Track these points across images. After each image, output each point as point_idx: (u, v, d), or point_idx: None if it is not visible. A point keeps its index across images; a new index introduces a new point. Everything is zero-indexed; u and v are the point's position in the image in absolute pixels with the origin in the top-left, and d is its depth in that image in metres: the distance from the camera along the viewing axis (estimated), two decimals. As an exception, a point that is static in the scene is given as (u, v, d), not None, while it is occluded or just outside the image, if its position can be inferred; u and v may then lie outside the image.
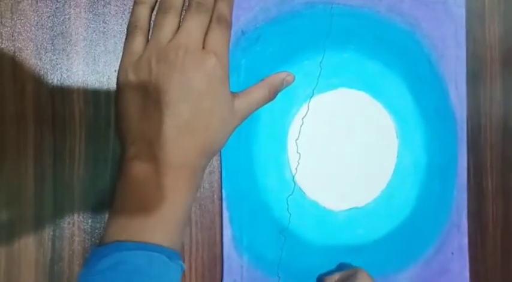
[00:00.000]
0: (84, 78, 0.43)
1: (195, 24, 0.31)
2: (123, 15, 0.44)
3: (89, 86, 0.43)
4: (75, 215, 0.43)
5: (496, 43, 0.56)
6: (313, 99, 0.49)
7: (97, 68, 0.44)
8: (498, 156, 0.56)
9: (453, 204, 0.53)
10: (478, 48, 0.55)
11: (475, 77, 0.55)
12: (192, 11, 0.31)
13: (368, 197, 0.51)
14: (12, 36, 0.42)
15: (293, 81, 0.36)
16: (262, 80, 0.35)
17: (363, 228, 0.50)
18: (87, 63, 0.43)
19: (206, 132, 0.31)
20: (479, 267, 0.54)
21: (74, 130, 0.43)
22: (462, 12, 0.54)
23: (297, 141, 0.49)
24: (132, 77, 0.31)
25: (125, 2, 0.45)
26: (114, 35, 0.44)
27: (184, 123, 0.30)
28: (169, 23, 0.31)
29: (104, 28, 0.44)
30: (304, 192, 0.49)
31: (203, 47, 0.31)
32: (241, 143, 0.47)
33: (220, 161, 0.47)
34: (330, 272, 0.48)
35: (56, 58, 0.43)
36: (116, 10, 0.44)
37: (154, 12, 0.33)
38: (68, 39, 0.43)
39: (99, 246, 0.29)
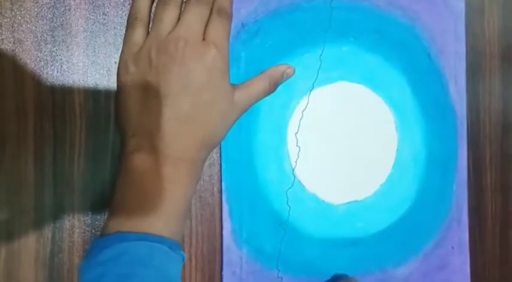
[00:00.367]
0: (84, 70, 0.43)
1: (195, 16, 0.31)
2: (123, 7, 0.44)
3: (89, 78, 0.43)
4: (75, 207, 0.43)
5: (496, 38, 0.56)
6: (313, 92, 0.49)
7: (97, 59, 0.44)
8: (497, 151, 0.56)
9: (453, 198, 0.53)
10: (477, 42, 0.55)
11: (474, 71, 0.55)
12: (192, 2, 0.31)
13: (368, 190, 0.51)
14: (12, 27, 0.42)
15: (293, 73, 0.36)
16: (262, 72, 0.35)
17: (362, 222, 0.51)
18: (87, 55, 0.43)
19: (206, 124, 0.31)
20: (478, 262, 0.55)
21: (74, 122, 0.43)
22: (462, 6, 0.54)
23: (297, 134, 0.49)
24: (132, 68, 0.31)
25: (125, -6, 0.44)
26: (114, 27, 0.44)
27: (184, 115, 0.30)
28: (170, 14, 0.31)
29: (104, 19, 0.44)
30: (303, 185, 0.49)
31: (203, 39, 0.31)
32: (241, 136, 0.47)
33: (220, 153, 0.47)
34: None
35: (56, 49, 0.43)
36: (116, 1, 0.44)
37: (155, 4, 0.33)
38: (68, 31, 0.43)
39: (100, 237, 0.30)
